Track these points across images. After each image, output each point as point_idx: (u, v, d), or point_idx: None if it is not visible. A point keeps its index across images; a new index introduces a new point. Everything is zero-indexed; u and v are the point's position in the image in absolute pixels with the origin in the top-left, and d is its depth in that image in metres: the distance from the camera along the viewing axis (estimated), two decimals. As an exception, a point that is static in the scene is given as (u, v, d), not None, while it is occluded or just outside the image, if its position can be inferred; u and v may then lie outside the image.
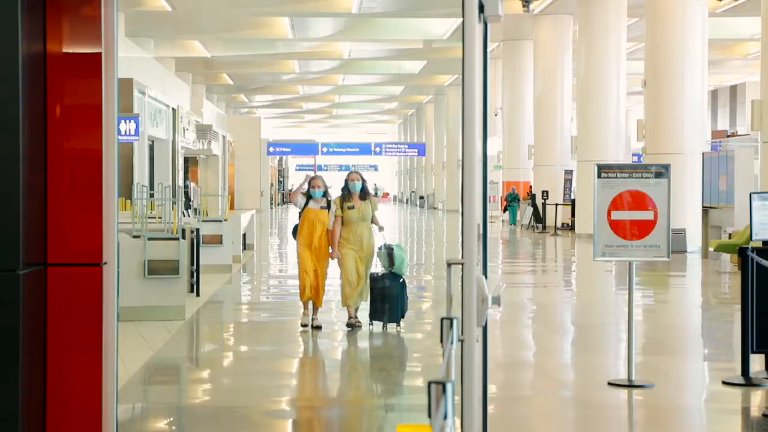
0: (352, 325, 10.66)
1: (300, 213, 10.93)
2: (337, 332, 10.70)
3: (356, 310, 10.73)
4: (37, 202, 3.78)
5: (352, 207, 10.66)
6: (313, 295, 10.69)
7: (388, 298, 10.45)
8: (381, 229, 10.71)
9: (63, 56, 3.85)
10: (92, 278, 3.85)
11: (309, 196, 10.83)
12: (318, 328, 10.70)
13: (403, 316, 10.58)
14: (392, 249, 10.56)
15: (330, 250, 10.67)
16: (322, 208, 10.77)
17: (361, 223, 10.66)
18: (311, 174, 11.10)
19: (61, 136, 3.86)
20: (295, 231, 11.00)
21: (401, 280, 10.62)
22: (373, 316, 10.62)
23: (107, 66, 3.89)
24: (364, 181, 10.86)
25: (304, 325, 10.81)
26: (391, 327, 10.52)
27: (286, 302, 14.22)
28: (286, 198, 78.39)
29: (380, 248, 10.67)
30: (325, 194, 10.87)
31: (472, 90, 3.35)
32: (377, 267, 10.75)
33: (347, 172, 11.08)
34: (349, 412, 7.48)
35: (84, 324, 3.83)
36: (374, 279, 10.61)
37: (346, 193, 10.75)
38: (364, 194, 10.76)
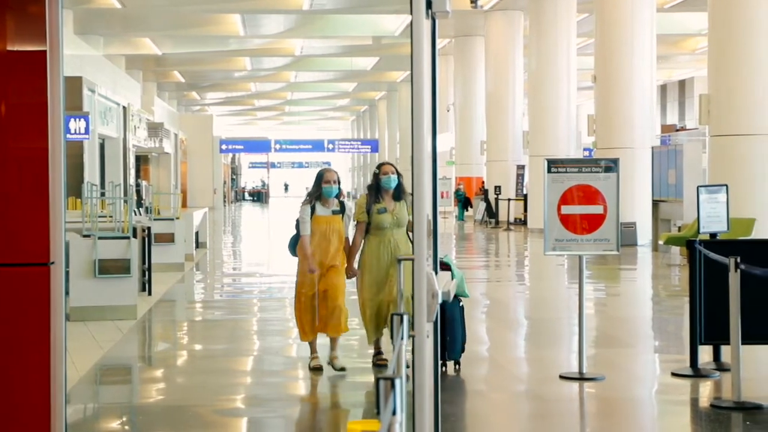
0: (381, 365, 8.18)
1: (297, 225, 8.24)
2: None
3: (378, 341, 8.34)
4: (-18, 202, 3.74)
5: (384, 210, 8.08)
6: (322, 327, 8.15)
7: (447, 328, 7.91)
8: None
9: (7, 54, 3.81)
10: (39, 278, 3.81)
11: (318, 197, 8.10)
12: (341, 370, 8.06)
13: (463, 351, 8.25)
14: (449, 264, 7.71)
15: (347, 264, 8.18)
16: (334, 213, 8.08)
17: (396, 231, 8.09)
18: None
19: (7, 135, 3.82)
20: (293, 244, 8.28)
21: (461, 303, 8.23)
22: None
23: (53, 64, 3.86)
24: (399, 175, 8.14)
25: (315, 369, 8.17)
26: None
27: (239, 300, 14.18)
28: (239, 195, 78.09)
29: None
30: (339, 194, 8.17)
31: (420, 85, 3.37)
32: None
33: (379, 165, 8.36)
34: (303, 410, 7.47)
35: (31, 324, 3.80)
36: None
37: (376, 191, 8.16)
38: (398, 193, 8.15)
